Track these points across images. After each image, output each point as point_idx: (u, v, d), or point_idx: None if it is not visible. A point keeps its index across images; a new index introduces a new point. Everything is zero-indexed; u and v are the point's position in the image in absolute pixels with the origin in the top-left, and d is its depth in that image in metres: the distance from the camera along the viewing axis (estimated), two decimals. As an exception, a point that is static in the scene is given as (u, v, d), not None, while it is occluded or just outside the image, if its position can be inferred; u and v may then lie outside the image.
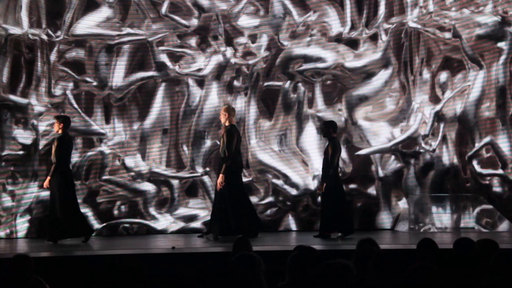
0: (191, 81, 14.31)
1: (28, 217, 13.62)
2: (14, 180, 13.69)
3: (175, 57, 14.37)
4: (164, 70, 14.26)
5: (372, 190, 14.41)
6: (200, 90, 14.32)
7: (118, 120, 14.20)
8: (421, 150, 14.28)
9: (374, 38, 14.49)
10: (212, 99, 14.30)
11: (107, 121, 14.15)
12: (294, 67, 14.35)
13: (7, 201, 13.57)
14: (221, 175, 12.22)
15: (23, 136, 13.67)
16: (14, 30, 13.70)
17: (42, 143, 13.77)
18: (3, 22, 13.68)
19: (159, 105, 14.27)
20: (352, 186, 14.39)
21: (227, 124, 12.37)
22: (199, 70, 14.33)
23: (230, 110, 12.45)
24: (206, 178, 14.19)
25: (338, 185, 12.73)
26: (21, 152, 13.62)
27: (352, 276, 4.89)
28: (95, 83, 14.06)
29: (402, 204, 14.28)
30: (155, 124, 14.14)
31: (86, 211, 13.77)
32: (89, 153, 13.99)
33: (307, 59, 14.38)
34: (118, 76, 14.16)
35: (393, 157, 14.40)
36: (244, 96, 14.44)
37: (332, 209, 12.49)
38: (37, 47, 13.80)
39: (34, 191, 13.70)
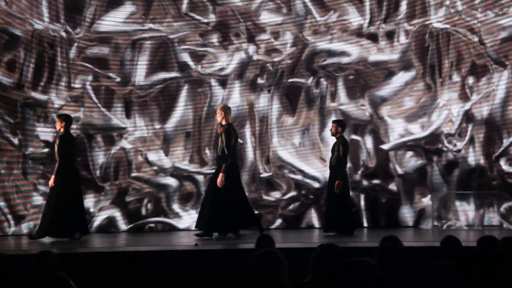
0: (213, 82, 14.33)
1: None
2: (46, 181, 13.77)
3: (197, 57, 14.38)
4: (187, 70, 14.28)
5: (392, 186, 14.37)
6: (222, 91, 14.33)
7: (139, 116, 14.24)
8: (444, 149, 14.20)
9: (391, 35, 14.40)
10: (234, 99, 14.32)
11: (128, 116, 14.20)
12: (318, 61, 14.32)
13: (38, 200, 13.67)
14: (221, 174, 12.23)
15: (45, 132, 13.72)
16: (38, 25, 13.77)
17: None
18: (30, 15, 13.77)
19: (182, 106, 14.30)
20: (375, 181, 14.37)
21: (223, 122, 12.39)
22: (222, 69, 14.33)
23: (226, 109, 12.50)
24: None
25: (346, 184, 12.82)
26: (45, 150, 13.68)
27: (375, 274, 4.88)
28: (118, 79, 14.10)
29: (426, 201, 14.22)
30: (178, 126, 14.16)
31: (114, 212, 13.87)
32: (113, 151, 14.05)
33: (330, 53, 14.36)
34: (140, 73, 14.20)
35: (409, 154, 14.31)
36: (267, 93, 14.45)
37: (343, 208, 12.61)
38: (57, 44, 13.87)
39: None
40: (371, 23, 14.41)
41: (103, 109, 14.02)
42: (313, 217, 14.31)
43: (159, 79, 14.30)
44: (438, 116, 14.27)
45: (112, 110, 14.11)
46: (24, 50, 13.66)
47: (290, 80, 14.45)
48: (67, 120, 12.31)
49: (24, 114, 13.66)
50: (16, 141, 13.60)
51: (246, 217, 12.49)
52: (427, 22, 14.32)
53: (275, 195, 14.39)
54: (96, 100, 14.01)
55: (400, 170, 14.26)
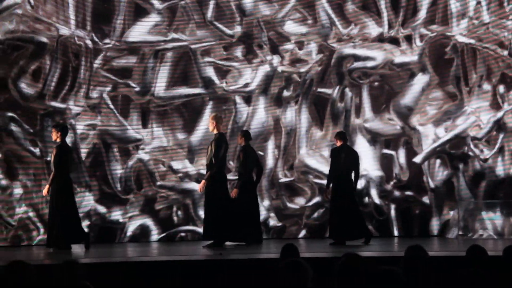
0: (238, 99, 14.35)
1: (87, 222, 13.82)
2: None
3: (222, 72, 14.41)
4: (211, 87, 14.30)
5: (426, 200, 14.33)
6: (247, 107, 14.35)
7: (157, 125, 14.29)
8: (470, 153, 14.10)
9: (409, 38, 14.39)
10: (259, 114, 14.34)
11: (144, 125, 14.25)
12: (346, 65, 14.32)
13: None
14: (203, 181, 12.37)
15: None
16: (64, 30, 13.85)
17: (83, 150, 13.89)
18: (56, 20, 13.87)
19: (206, 122, 14.35)
20: (407, 192, 14.34)
21: (215, 132, 12.50)
22: (246, 85, 14.35)
23: (217, 118, 12.60)
24: None
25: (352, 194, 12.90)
26: None
27: (402, 283, 4.86)
28: (137, 88, 14.15)
29: (454, 212, 14.14)
30: (202, 141, 14.21)
31: (146, 220, 13.94)
32: (130, 163, 14.09)
33: (356, 58, 14.34)
34: (160, 84, 14.24)
35: (440, 164, 14.23)
36: (294, 105, 14.44)
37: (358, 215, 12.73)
38: (82, 53, 13.95)
39: (91, 200, 13.88)
40: (390, 28, 14.38)
41: (119, 116, 14.08)
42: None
43: (183, 93, 14.33)
44: (465, 121, 14.17)
45: (128, 120, 14.17)
46: (50, 58, 13.76)
47: (318, 90, 14.45)
48: (63, 130, 12.37)
49: (43, 123, 13.74)
50: (37, 151, 13.72)
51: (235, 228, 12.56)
52: (448, 33, 14.22)
53: (299, 201, 14.38)
54: (112, 107, 14.07)
55: (432, 184, 14.18)
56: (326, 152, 14.30)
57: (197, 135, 14.30)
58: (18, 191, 13.68)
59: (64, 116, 13.87)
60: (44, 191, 12.30)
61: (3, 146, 13.68)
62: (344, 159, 12.77)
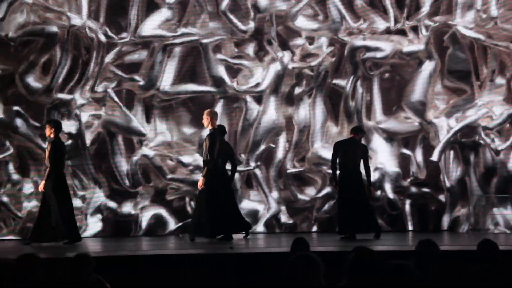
0: (249, 98, 14.35)
1: (99, 216, 13.87)
2: (80, 182, 13.89)
3: (233, 71, 14.40)
4: (222, 86, 14.29)
5: (442, 197, 14.30)
6: (258, 106, 14.36)
7: (160, 120, 14.29)
8: (481, 141, 14.03)
9: (416, 29, 14.39)
10: (270, 113, 14.32)
11: (148, 120, 14.27)
12: (359, 56, 14.29)
13: (77, 203, 13.83)
14: (202, 178, 12.37)
15: (68, 125, 13.77)
16: (76, 20, 13.84)
17: (88, 137, 13.93)
18: (68, 9, 13.89)
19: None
20: (425, 189, 14.32)
21: (209, 127, 12.50)
22: (257, 85, 14.32)
23: (212, 114, 12.61)
24: (257, 171, 14.28)
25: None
26: (69, 142, 13.77)
27: (413, 278, 4.85)
28: (141, 83, 14.14)
29: (465, 209, 14.10)
30: None
31: (160, 210, 13.98)
32: (134, 158, 14.09)
33: (367, 49, 14.33)
34: (167, 79, 14.22)
35: (453, 157, 14.18)
36: (307, 99, 14.43)
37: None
38: (94, 48, 13.94)
39: (102, 196, 13.93)
40: (396, 23, 14.37)
41: (124, 108, 14.07)
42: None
43: (190, 89, 14.33)
44: (476, 112, 14.10)
45: (132, 112, 14.19)
46: (60, 49, 13.77)
47: (333, 82, 14.43)
48: (57, 126, 12.35)
49: (49, 116, 13.75)
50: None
51: (233, 221, 12.59)
52: (450, 22, 14.17)
53: (310, 192, 14.35)
54: (117, 100, 14.07)
55: (448, 183, 14.13)
56: None
57: (206, 131, 14.27)
58: (28, 187, 13.70)
59: (69, 107, 13.87)
60: (40, 187, 12.25)
61: (14, 141, 13.71)
62: (350, 152, 12.73)
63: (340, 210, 12.86)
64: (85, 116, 13.99)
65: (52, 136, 12.25)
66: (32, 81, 13.69)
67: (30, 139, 13.74)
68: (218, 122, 12.88)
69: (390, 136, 14.42)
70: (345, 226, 12.63)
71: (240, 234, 12.95)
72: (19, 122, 13.71)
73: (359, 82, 14.41)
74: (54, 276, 6.33)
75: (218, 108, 14.29)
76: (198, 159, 14.15)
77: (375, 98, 14.51)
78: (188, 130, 14.38)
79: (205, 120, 12.55)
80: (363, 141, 13.37)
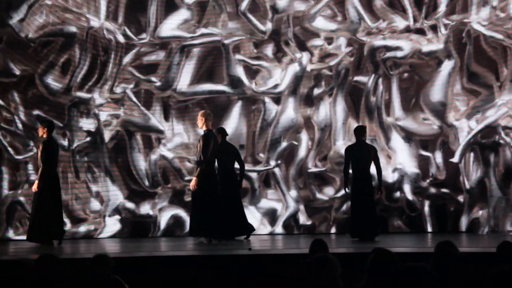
0: (267, 99, 14.36)
1: (117, 217, 13.93)
2: (92, 175, 13.97)
3: (251, 72, 14.41)
4: (240, 87, 14.31)
5: (461, 198, 14.22)
6: (276, 106, 14.36)
7: (177, 121, 14.34)
8: (501, 141, 13.94)
9: (435, 28, 14.34)
10: (288, 112, 14.33)
11: (166, 118, 14.30)
12: (379, 55, 14.26)
13: (96, 205, 13.89)
14: (194, 178, 12.38)
15: (87, 123, 13.96)
16: (94, 22, 13.93)
17: (106, 134, 14.02)
18: (87, 10, 13.96)
19: (234, 121, 14.35)
20: (444, 190, 14.25)
21: (204, 128, 12.53)
22: (276, 86, 14.33)
23: (207, 115, 12.61)
24: (276, 170, 14.26)
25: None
26: (88, 139, 13.88)
27: (433, 280, 4.83)
28: (158, 84, 14.20)
29: (484, 211, 14.02)
30: (231, 139, 14.25)
31: (178, 211, 14.02)
32: (153, 157, 14.13)
33: (387, 48, 14.29)
34: (184, 80, 14.26)
35: (473, 159, 14.08)
36: (328, 99, 14.41)
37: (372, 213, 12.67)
38: (112, 49, 14.02)
39: (118, 193, 13.98)
40: (415, 22, 14.32)
41: (142, 108, 14.15)
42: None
43: (206, 89, 14.36)
44: (495, 112, 14.03)
45: (151, 111, 14.24)
46: (79, 49, 13.85)
47: (355, 79, 14.40)
48: (49, 126, 12.37)
49: (70, 115, 13.86)
50: (66, 142, 13.85)
51: (227, 224, 12.60)
52: (465, 20, 14.10)
53: (328, 191, 14.35)
54: (135, 100, 14.14)
55: (467, 185, 14.06)
56: None
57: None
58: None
59: (88, 106, 13.98)
60: (34, 187, 12.23)
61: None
62: (360, 155, 12.70)
63: (352, 214, 12.83)
64: (103, 115, 14.07)
65: (44, 136, 12.27)
66: (52, 81, 13.81)
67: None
68: (236, 123, 12.91)
69: (408, 136, 14.37)
70: (356, 229, 12.62)
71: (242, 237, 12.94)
72: None
73: (380, 80, 14.37)
74: (73, 276, 6.35)
75: (235, 110, 14.33)
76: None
77: (394, 97, 14.44)
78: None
79: (200, 121, 12.59)
80: (374, 144, 13.41)
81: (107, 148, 14.05)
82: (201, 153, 12.39)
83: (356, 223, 12.62)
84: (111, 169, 14.07)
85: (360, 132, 12.83)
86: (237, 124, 14.41)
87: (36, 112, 13.86)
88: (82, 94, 13.96)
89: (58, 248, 11.82)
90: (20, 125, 13.77)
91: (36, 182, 12.23)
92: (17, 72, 13.78)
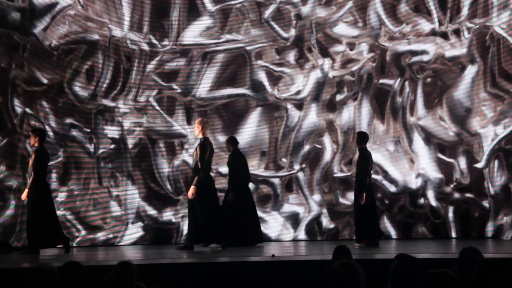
0: (290, 106, 14.37)
1: (140, 224, 13.97)
2: (115, 180, 14.05)
3: (273, 78, 14.42)
4: (262, 93, 14.32)
5: (485, 203, 14.12)
6: (299, 112, 14.36)
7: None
8: None
9: (458, 32, 14.26)
10: (311, 116, 14.32)
11: (189, 122, 14.34)
12: (405, 61, 14.21)
13: (116, 210, 13.95)
14: (192, 187, 12.44)
15: (111, 130, 14.10)
16: (117, 32, 14.03)
17: (130, 142, 14.10)
18: (108, 19, 14.05)
19: (255, 127, 14.35)
20: (468, 195, 14.16)
21: (200, 136, 12.60)
22: (298, 92, 14.33)
23: (204, 123, 12.69)
24: (300, 174, 14.26)
25: (370, 195, 12.74)
26: (112, 146, 13.98)
27: (457, 286, 4.81)
28: (179, 90, 14.25)
29: (508, 217, 13.93)
30: (253, 145, 14.23)
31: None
32: (176, 162, 14.20)
33: (413, 53, 14.23)
34: (204, 86, 14.29)
35: (498, 165, 13.98)
36: (352, 102, 14.38)
37: (365, 218, 12.59)
38: (136, 57, 14.10)
39: (137, 197, 14.04)
40: (440, 25, 14.26)
41: (165, 115, 14.19)
42: (388, 226, 14.19)
43: (225, 94, 14.38)
44: None
45: (174, 117, 14.28)
46: (102, 56, 13.96)
47: (380, 82, 14.37)
48: (41, 135, 12.39)
49: (96, 121, 13.99)
50: (92, 148, 13.94)
51: (218, 230, 12.61)
52: (488, 24, 14.03)
53: (351, 197, 14.31)
54: (159, 109, 14.22)
55: (492, 190, 13.97)
56: (391, 147, 14.23)
57: (243, 138, 14.27)
58: (62, 195, 13.90)
59: (112, 114, 14.08)
60: (24, 196, 12.23)
61: (67, 149, 13.93)
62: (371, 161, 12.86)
63: (366, 218, 12.79)
64: (126, 123, 14.15)
65: (36, 144, 12.28)
66: (79, 89, 13.92)
67: (82, 145, 13.98)
68: (255, 130, 12.93)
69: (428, 138, 14.25)
70: (366, 233, 12.61)
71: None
72: (74, 131, 13.98)
73: (407, 83, 14.32)
74: (98, 284, 6.38)
75: (254, 115, 14.34)
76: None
77: (418, 99, 14.36)
78: (221, 138, 14.42)
79: (196, 129, 12.68)
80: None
81: (130, 154, 14.13)
82: (199, 160, 12.42)
83: (368, 228, 12.64)
84: (133, 174, 14.14)
85: (364, 139, 12.83)
86: (256, 130, 14.41)
87: (68, 120, 13.99)
88: (107, 102, 14.07)
89: (65, 256, 11.87)
90: (51, 133, 13.86)
91: (26, 191, 12.19)
92: (45, 81, 13.90)
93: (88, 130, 14.05)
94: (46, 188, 12.37)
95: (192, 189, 12.43)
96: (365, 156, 12.71)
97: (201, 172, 12.44)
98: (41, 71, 13.91)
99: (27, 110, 13.88)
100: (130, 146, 14.16)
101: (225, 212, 12.75)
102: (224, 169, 13.98)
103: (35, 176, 12.12)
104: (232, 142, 13.24)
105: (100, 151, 14.06)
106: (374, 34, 14.38)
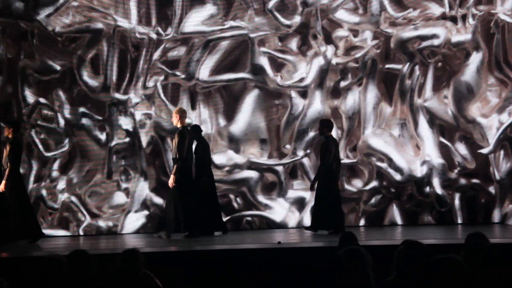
0: (294, 94, 14.35)
1: (145, 212, 13.98)
2: (127, 176, 14.07)
3: (276, 65, 14.39)
4: (261, 75, 14.28)
5: (491, 189, 14.08)
6: (303, 100, 14.34)
7: (204, 106, 14.36)
8: None
9: (464, 18, 14.19)
10: (315, 104, 14.30)
11: (193, 107, 14.34)
12: (413, 46, 14.14)
13: (121, 198, 13.98)
14: (172, 176, 12.48)
15: (125, 121, 14.13)
16: (122, 23, 14.03)
17: (143, 139, 14.11)
18: (114, 12, 14.05)
19: (250, 114, 14.33)
20: (474, 180, 14.12)
21: (179, 125, 12.61)
22: (301, 80, 14.30)
23: (181, 112, 12.72)
24: (305, 160, 14.28)
25: (332, 183, 12.77)
26: (127, 140, 14.02)
27: (463, 271, 4.81)
28: (183, 76, 14.25)
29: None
30: (248, 132, 14.20)
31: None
32: None
33: (422, 38, 14.16)
34: (204, 72, 14.27)
35: (504, 154, 13.95)
36: (357, 88, 14.33)
37: (325, 207, 12.58)
38: (144, 46, 14.10)
39: (146, 189, 14.05)
40: (450, 9, 14.19)
41: (170, 106, 14.17)
42: (396, 214, 14.17)
43: (225, 78, 14.36)
44: None
45: (179, 103, 14.26)
46: (107, 44, 13.96)
47: (387, 66, 14.34)
48: (14, 126, 12.42)
49: (110, 112, 14.07)
50: (103, 136, 13.97)
51: (207, 221, 12.73)
52: (492, 11, 13.98)
53: (357, 184, 14.31)
54: (164, 98, 14.22)
55: (497, 176, 13.94)
56: (396, 131, 14.20)
57: (238, 125, 14.27)
58: (62, 183, 13.97)
59: (126, 106, 14.12)
60: (1, 187, 12.20)
61: (74, 139, 13.96)
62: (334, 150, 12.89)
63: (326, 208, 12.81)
64: (138, 115, 14.16)
65: (10, 136, 12.32)
66: (88, 78, 13.94)
67: (89, 132, 14.06)
68: (250, 115, 12.91)
69: (431, 119, 14.16)
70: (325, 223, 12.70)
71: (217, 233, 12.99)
72: (84, 120, 14.04)
73: (417, 67, 14.26)
74: (105, 271, 6.40)
75: (251, 97, 14.33)
76: (234, 158, 14.16)
77: (427, 82, 14.30)
78: (221, 121, 14.40)
79: (174, 118, 12.71)
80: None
81: (145, 153, 14.14)
82: (177, 150, 12.44)
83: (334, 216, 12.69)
84: (147, 171, 14.16)
85: (330, 127, 12.91)
86: (252, 116, 14.35)
87: (81, 109, 14.02)
88: (119, 96, 14.10)
89: (33, 246, 11.90)
90: (62, 122, 13.91)
91: (4, 182, 12.19)
92: (58, 67, 13.94)
93: (100, 118, 14.07)
94: (20, 179, 12.45)
95: (171, 179, 12.47)
96: (327, 145, 12.75)
97: (180, 162, 12.44)
98: (51, 58, 13.93)
99: (41, 100, 13.95)
100: (144, 144, 14.14)
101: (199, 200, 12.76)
102: (220, 160, 14.02)
103: (11, 167, 12.16)
104: (195, 130, 13.16)
105: (114, 142, 14.05)
106: (374, 20, 14.31)
